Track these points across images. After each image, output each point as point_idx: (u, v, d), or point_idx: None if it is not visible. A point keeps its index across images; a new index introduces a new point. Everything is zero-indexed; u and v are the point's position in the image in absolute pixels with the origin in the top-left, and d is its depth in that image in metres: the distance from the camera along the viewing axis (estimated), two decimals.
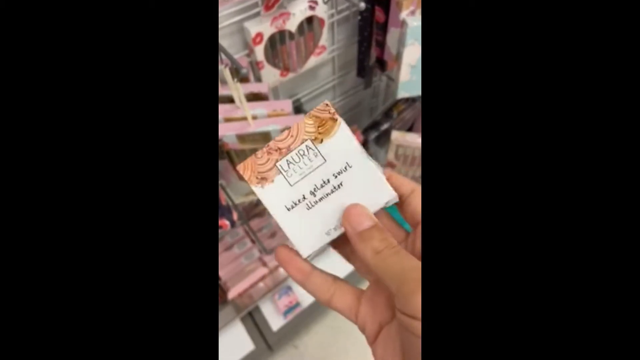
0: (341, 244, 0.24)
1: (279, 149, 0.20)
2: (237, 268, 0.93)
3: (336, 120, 0.20)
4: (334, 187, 0.21)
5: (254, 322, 1.01)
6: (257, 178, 0.21)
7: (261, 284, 0.96)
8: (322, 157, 0.21)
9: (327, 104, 0.20)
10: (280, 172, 0.21)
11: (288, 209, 0.21)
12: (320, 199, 0.21)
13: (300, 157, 0.20)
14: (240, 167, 0.21)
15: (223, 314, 0.94)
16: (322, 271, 0.23)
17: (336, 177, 0.21)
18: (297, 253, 0.22)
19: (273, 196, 0.21)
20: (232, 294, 0.91)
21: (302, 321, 1.02)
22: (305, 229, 0.21)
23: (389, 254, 0.19)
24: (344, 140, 0.20)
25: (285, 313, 1.00)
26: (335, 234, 0.22)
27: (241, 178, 0.20)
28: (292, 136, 0.20)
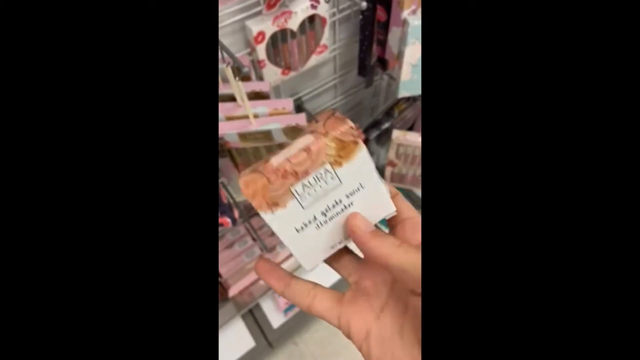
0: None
1: (295, 172, 0.19)
2: (238, 266, 0.93)
3: (357, 143, 0.20)
4: (345, 207, 0.21)
5: (255, 319, 1.02)
6: (267, 204, 0.19)
7: (262, 282, 0.96)
8: (339, 179, 0.20)
9: (351, 127, 0.19)
10: (295, 196, 0.19)
11: (297, 231, 0.21)
12: (331, 218, 0.21)
13: (317, 181, 0.19)
14: (248, 194, 0.19)
15: (224, 311, 0.95)
16: (301, 279, 0.23)
17: (348, 197, 0.21)
18: (276, 264, 0.23)
19: (283, 220, 0.20)
20: (233, 292, 0.91)
21: (302, 319, 1.02)
22: (312, 246, 0.21)
23: (409, 248, 0.19)
24: (363, 163, 0.20)
25: (286, 311, 1.01)
26: (339, 247, 0.22)
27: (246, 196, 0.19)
28: (310, 159, 0.19)
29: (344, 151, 0.19)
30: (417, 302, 0.20)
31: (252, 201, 0.19)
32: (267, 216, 0.20)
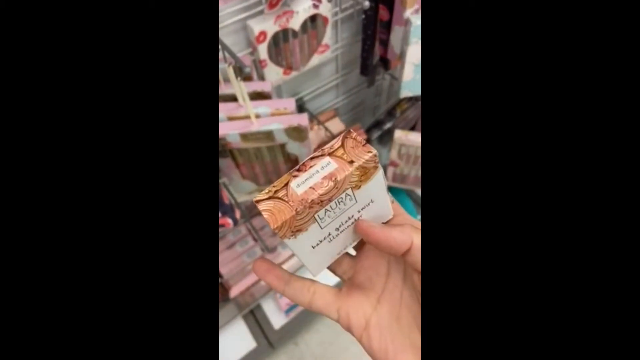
0: None
1: (321, 202, 0.19)
2: (239, 266, 0.93)
3: (377, 168, 0.20)
4: (355, 220, 0.22)
5: (256, 320, 1.02)
6: (291, 231, 0.20)
7: (263, 282, 0.96)
8: (355, 199, 0.21)
9: (375, 155, 0.20)
10: (316, 220, 0.20)
11: (313, 247, 0.21)
12: (342, 231, 0.22)
13: (337, 204, 0.20)
14: (275, 225, 0.19)
15: (225, 311, 0.95)
16: (299, 276, 0.24)
17: (359, 211, 0.22)
18: (274, 263, 0.24)
19: (303, 242, 0.21)
20: (234, 292, 0.91)
21: (303, 319, 1.02)
22: (322, 256, 0.22)
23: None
24: (377, 183, 0.21)
25: (287, 311, 1.00)
26: (343, 252, 0.23)
27: (273, 228, 0.19)
28: (337, 188, 0.19)
29: (364, 176, 0.20)
30: (417, 284, 0.21)
31: (278, 231, 0.19)
32: (289, 241, 0.20)
